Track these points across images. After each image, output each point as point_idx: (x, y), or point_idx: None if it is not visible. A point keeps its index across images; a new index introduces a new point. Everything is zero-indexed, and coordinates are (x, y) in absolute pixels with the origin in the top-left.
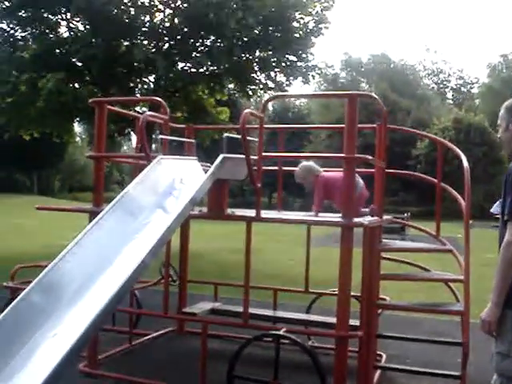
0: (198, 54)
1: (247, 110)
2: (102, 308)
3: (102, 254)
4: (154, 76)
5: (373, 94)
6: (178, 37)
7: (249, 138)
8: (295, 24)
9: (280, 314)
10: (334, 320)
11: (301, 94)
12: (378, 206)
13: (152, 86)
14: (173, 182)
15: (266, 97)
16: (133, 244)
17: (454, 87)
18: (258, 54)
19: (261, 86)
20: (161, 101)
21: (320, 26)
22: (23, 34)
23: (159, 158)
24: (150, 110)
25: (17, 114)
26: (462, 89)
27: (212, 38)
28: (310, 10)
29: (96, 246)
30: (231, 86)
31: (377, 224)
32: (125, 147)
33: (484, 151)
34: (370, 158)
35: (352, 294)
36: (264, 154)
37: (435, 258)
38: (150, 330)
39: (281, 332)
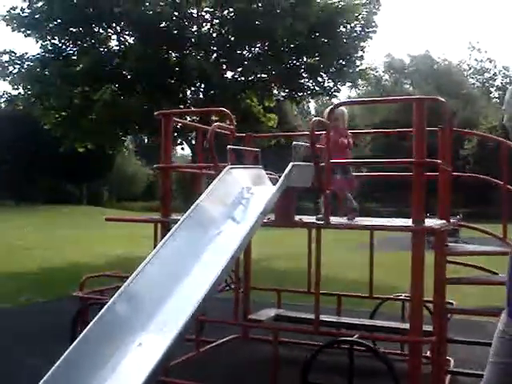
0: (246, 62)
1: (316, 118)
2: (187, 318)
3: (179, 265)
4: (203, 86)
5: (439, 97)
6: (226, 45)
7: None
8: (342, 29)
9: (348, 320)
10: (403, 325)
11: (366, 99)
12: (444, 209)
13: (202, 96)
14: (242, 191)
15: (312, 102)
16: (207, 254)
17: (500, 86)
18: (306, 59)
19: (309, 92)
20: (227, 111)
21: (367, 30)
22: (74, 49)
23: (228, 168)
24: (199, 121)
25: (71, 127)
26: (508, 87)
27: (259, 45)
28: (356, 14)
29: (172, 257)
30: (280, 93)
31: (446, 228)
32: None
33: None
34: (440, 161)
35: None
36: (332, 160)
37: (494, 261)
38: (214, 337)
39: (354, 338)
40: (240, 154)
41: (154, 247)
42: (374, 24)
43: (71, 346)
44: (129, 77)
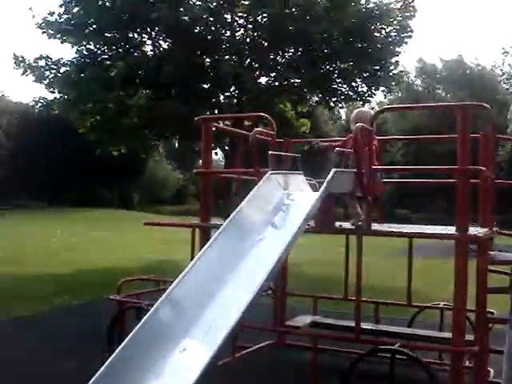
0: (280, 67)
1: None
2: (234, 323)
3: (222, 270)
4: (236, 92)
5: (485, 104)
6: (260, 50)
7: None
8: (377, 34)
9: (388, 328)
10: (443, 334)
11: (410, 105)
12: (487, 217)
13: (235, 101)
14: (283, 197)
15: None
16: (251, 260)
17: None
18: (339, 64)
19: (342, 97)
20: (268, 117)
21: (402, 35)
22: (110, 54)
23: (269, 174)
24: (233, 125)
25: (106, 131)
26: None
27: (292, 50)
28: (391, 19)
29: (215, 263)
30: (314, 98)
31: (490, 236)
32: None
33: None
34: (484, 168)
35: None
36: (374, 166)
37: None
38: (249, 342)
39: (396, 347)
40: (279, 159)
41: (192, 252)
42: (409, 29)
43: (116, 352)
44: (164, 82)
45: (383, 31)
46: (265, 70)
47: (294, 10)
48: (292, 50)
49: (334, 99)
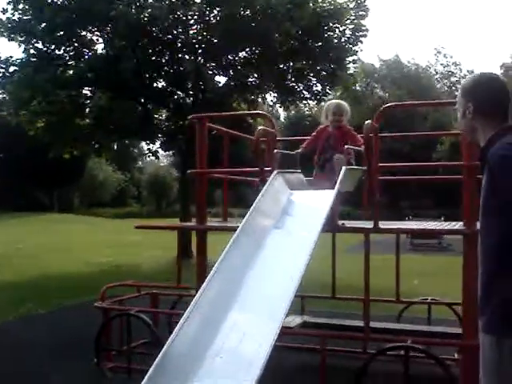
0: (236, 66)
1: (368, 121)
2: (278, 325)
3: (244, 274)
4: (193, 91)
5: None
6: (215, 50)
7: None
8: (331, 33)
9: (393, 325)
10: (448, 330)
11: (417, 102)
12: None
13: (192, 99)
14: (288, 196)
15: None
16: (272, 262)
17: None
18: (295, 64)
19: (297, 97)
20: (269, 115)
21: (358, 34)
22: (63, 53)
23: (276, 173)
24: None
25: (60, 133)
26: None
27: (248, 49)
28: (345, 19)
29: (236, 267)
30: (271, 97)
31: None
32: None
33: None
34: None
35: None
36: (381, 164)
37: None
38: None
39: (410, 344)
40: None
41: (178, 255)
42: (364, 28)
43: (154, 364)
44: (122, 81)
45: (337, 30)
46: (222, 69)
47: (250, 10)
48: (248, 50)
49: (289, 99)
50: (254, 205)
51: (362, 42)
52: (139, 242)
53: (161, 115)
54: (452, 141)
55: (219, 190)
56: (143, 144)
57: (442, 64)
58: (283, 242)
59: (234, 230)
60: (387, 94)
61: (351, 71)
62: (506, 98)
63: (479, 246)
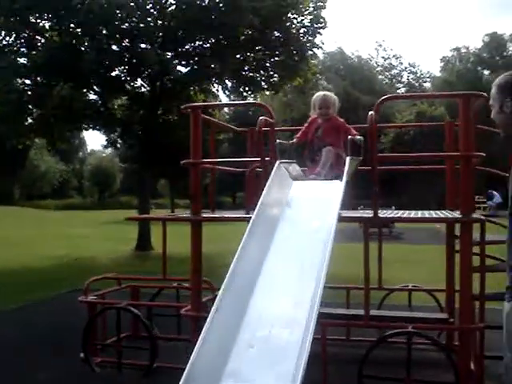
0: (197, 57)
1: (371, 112)
2: (313, 316)
3: (263, 266)
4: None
5: (484, 94)
6: (174, 39)
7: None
8: (289, 23)
9: (386, 313)
10: (439, 316)
11: (411, 94)
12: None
13: (148, 89)
14: (292, 186)
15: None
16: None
17: (407, 82)
18: (255, 54)
19: (255, 87)
20: (266, 105)
21: (316, 25)
22: (11, 41)
23: (278, 163)
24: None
25: (17, 122)
26: (415, 83)
27: (206, 39)
28: (304, 9)
29: (255, 258)
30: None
31: (474, 219)
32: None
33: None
34: (484, 154)
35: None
36: (381, 155)
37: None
38: None
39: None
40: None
41: (164, 245)
42: (322, 20)
43: (190, 361)
44: (85, 71)
45: (295, 21)
46: (183, 58)
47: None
48: (209, 39)
49: (247, 88)
50: (262, 195)
51: (321, 33)
52: (88, 235)
53: (118, 104)
54: (397, 131)
55: (163, 181)
56: (84, 134)
57: (382, 57)
58: (294, 231)
59: (228, 220)
60: (331, 86)
61: (310, 63)
62: None
63: None
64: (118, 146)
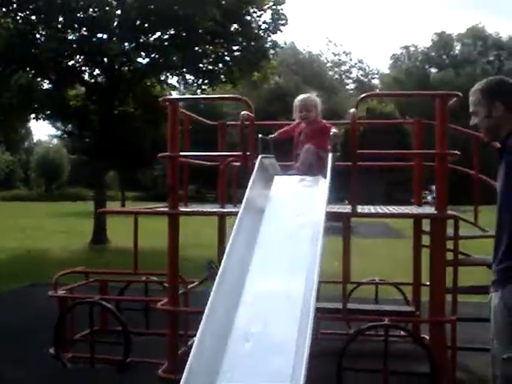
0: (157, 48)
1: (353, 110)
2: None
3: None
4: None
5: (459, 93)
6: (133, 30)
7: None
8: (248, 17)
9: (358, 306)
10: (408, 308)
11: (392, 92)
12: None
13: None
14: (274, 181)
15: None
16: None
17: (356, 78)
18: (215, 46)
19: (213, 80)
20: (247, 100)
21: (277, 22)
22: None
23: (260, 158)
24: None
25: None
26: (364, 79)
27: (165, 30)
28: (263, 3)
29: (243, 252)
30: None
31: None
32: None
33: (398, 139)
34: (459, 153)
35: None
36: (360, 151)
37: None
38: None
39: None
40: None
41: (135, 238)
42: (283, 17)
43: (192, 354)
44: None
45: (255, 15)
46: (142, 50)
47: None
48: (168, 31)
49: (205, 82)
50: (248, 189)
51: (281, 30)
52: (35, 227)
53: (73, 95)
54: (346, 128)
55: (112, 173)
56: (30, 124)
57: (333, 53)
58: (279, 227)
59: (205, 215)
60: (282, 80)
61: (271, 58)
62: None
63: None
64: (74, 137)
